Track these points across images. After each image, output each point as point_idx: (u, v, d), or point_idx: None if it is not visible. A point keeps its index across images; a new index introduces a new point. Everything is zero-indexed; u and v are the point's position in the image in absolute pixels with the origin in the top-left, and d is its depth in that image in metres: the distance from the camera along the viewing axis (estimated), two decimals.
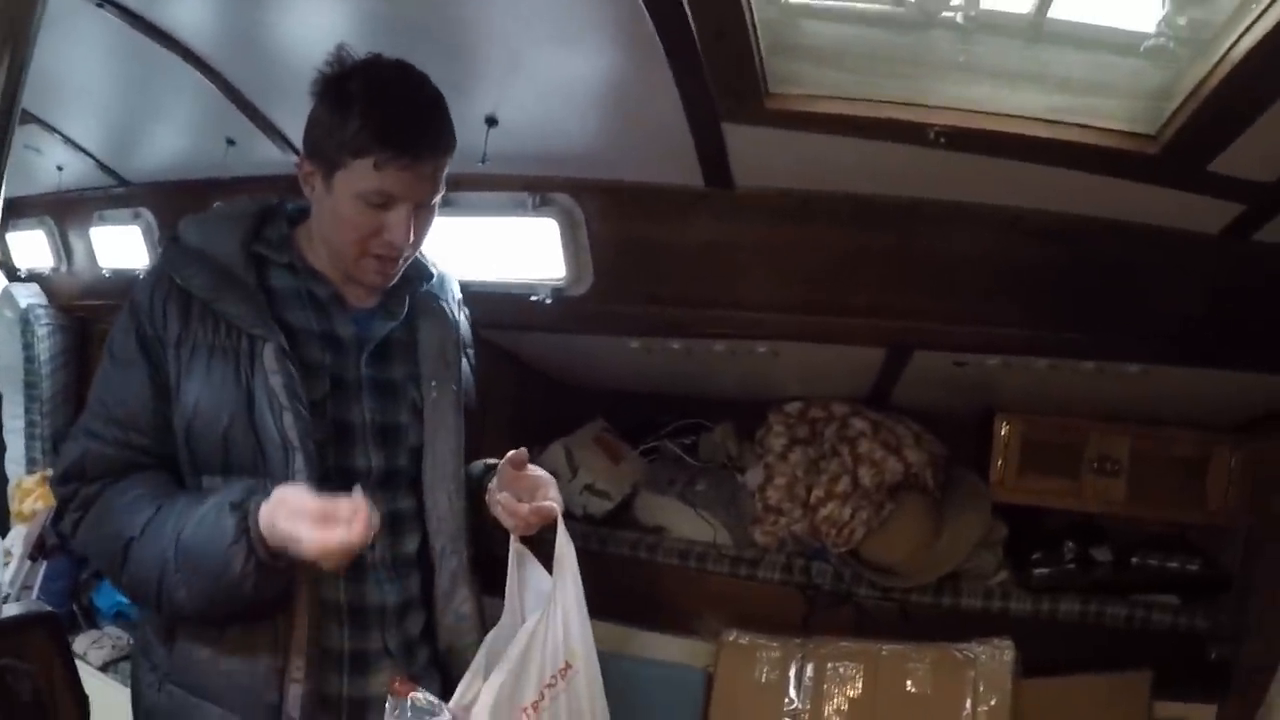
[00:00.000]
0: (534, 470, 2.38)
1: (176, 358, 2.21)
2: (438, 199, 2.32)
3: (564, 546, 2.36)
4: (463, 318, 2.64)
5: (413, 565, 2.42)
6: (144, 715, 2.34)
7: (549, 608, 2.32)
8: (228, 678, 2.20)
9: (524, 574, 2.41)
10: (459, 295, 2.66)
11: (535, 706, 2.25)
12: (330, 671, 2.26)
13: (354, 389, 2.35)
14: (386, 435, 2.39)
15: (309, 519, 1.97)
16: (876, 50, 2.43)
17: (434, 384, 2.45)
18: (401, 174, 2.17)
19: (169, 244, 2.35)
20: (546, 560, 2.40)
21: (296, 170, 2.34)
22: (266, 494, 2.06)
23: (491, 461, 2.52)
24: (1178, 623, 3.57)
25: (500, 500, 2.34)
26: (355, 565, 2.22)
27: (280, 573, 2.07)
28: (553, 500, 2.34)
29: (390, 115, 2.19)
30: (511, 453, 2.34)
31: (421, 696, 2.15)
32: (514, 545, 2.39)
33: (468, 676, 2.28)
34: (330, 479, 2.21)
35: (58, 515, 4.94)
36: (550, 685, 2.28)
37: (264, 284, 2.30)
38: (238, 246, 2.29)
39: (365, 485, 2.23)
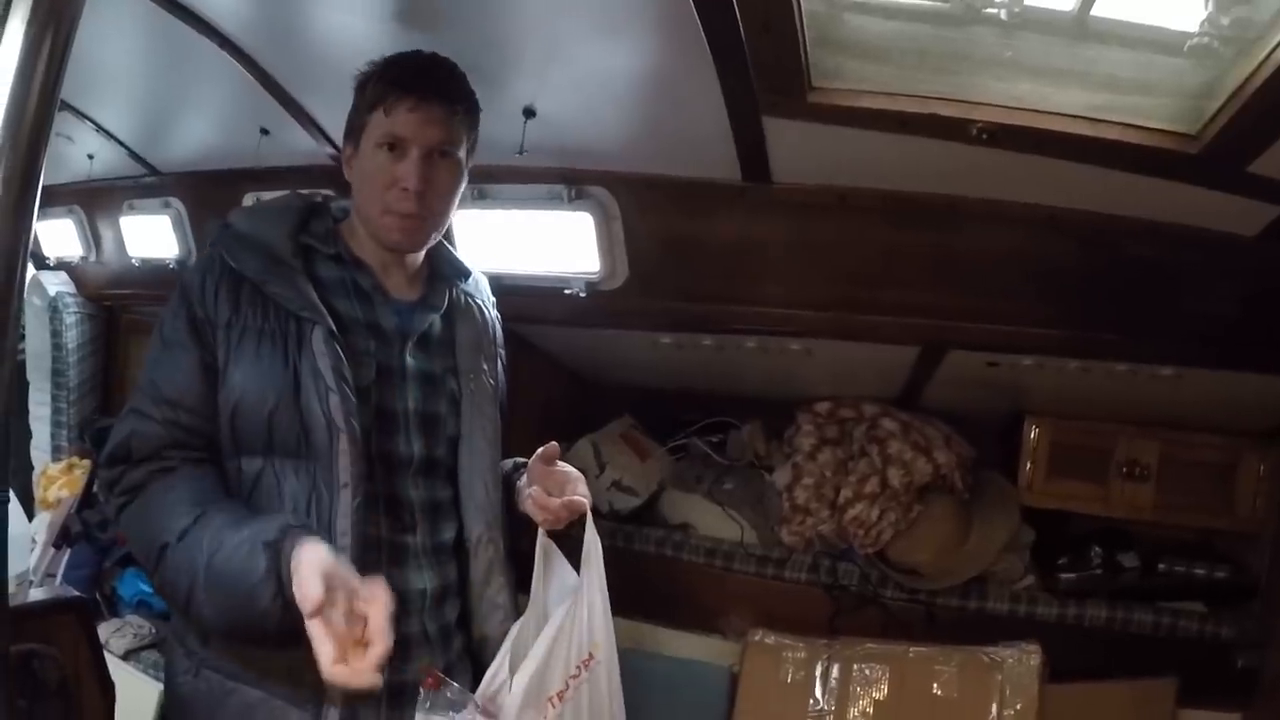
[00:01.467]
0: (564, 466, 2.43)
1: (226, 340, 2.23)
2: (458, 154, 2.36)
3: (592, 542, 2.40)
4: (496, 318, 2.69)
5: (449, 553, 2.43)
6: (179, 703, 2.34)
7: (576, 601, 2.35)
8: (267, 661, 2.19)
9: (550, 568, 2.44)
10: (492, 298, 2.71)
11: (560, 696, 2.29)
12: None
13: (398, 378, 2.37)
14: (428, 424, 2.41)
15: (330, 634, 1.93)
16: (920, 45, 2.42)
17: (471, 377, 2.50)
18: (410, 115, 2.27)
19: (221, 230, 2.36)
20: (570, 556, 2.43)
21: (341, 162, 2.41)
22: (303, 530, 2.07)
23: (521, 460, 2.57)
24: (1204, 630, 3.55)
25: (531, 494, 2.39)
26: (396, 549, 2.29)
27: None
28: (582, 496, 2.39)
29: (400, 66, 2.34)
30: (543, 448, 2.39)
31: (454, 688, 2.18)
32: (541, 540, 2.42)
33: (494, 666, 2.32)
34: (373, 465, 2.25)
35: (89, 502, 4.99)
36: (574, 676, 2.32)
37: (311, 273, 2.32)
38: (287, 235, 2.33)
39: (406, 472, 2.32)
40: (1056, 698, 3.40)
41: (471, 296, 2.60)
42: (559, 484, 2.40)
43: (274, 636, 2.07)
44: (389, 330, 2.39)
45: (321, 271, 2.36)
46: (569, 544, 2.44)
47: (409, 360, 2.39)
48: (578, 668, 2.32)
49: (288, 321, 2.24)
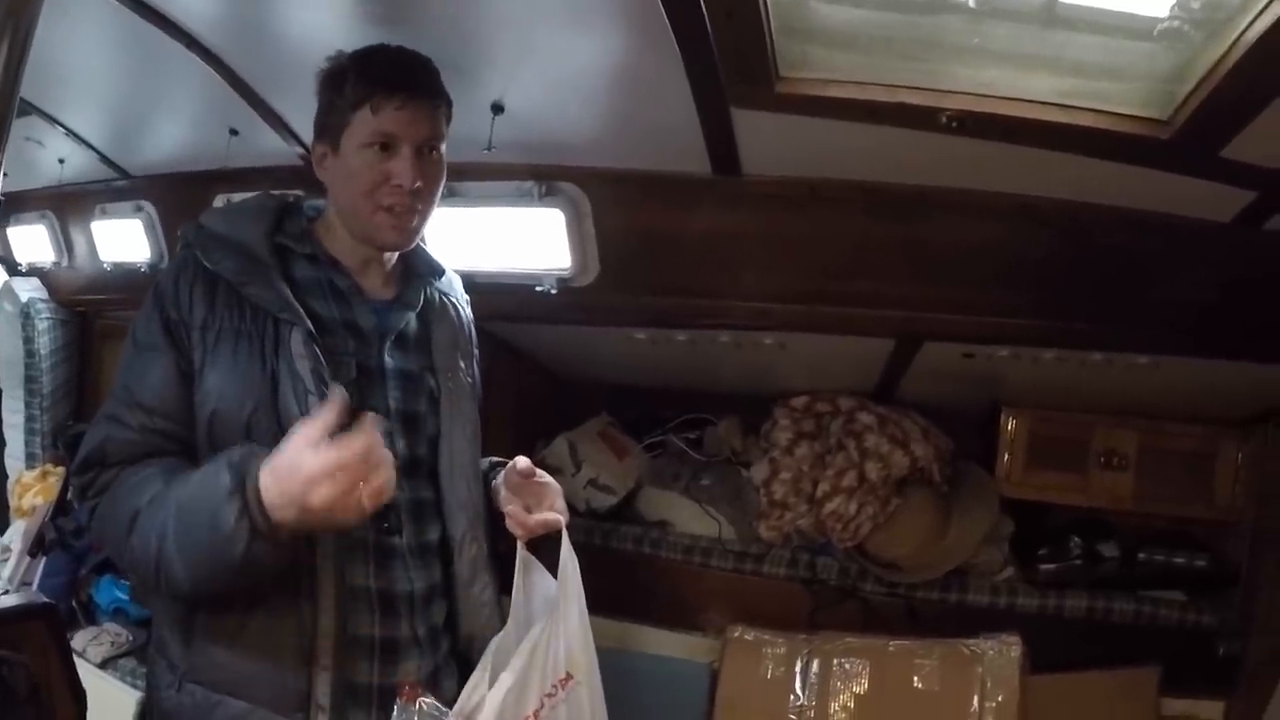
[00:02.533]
0: (543, 477, 2.43)
1: (201, 342, 2.21)
2: (441, 150, 2.36)
3: (568, 558, 2.39)
4: (469, 317, 2.69)
5: (435, 554, 2.42)
6: (162, 717, 2.30)
7: (552, 618, 2.34)
8: (252, 670, 2.17)
9: (530, 580, 2.44)
10: (465, 296, 2.71)
11: (536, 715, 2.26)
12: (360, 659, 2.25)
13: (378, 377, 2.36)
14: (409, 423, 2.40)
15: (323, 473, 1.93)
16: (888, 33, 2.40)
17: (449, 375, 2.49)
18: (399, 113, 2.26)
19: (195, 230, 2.34)
20: (550, 567, 2.42)
21: (310, 161, 2.42)
22: (263, 452, 2.04)
23: (498, 460, 2.58)
24: (1185, 618, 3.56)
25: (510, 512, 2.38)
26: (383, 551, 2.27)
27: (279, 545, 2.02)
28: (559, 511, 2.40)
29: (381, 64, 2.31)
30: (518, 463, 2.40)
31: (429, 702, 2.16)
32: (520, 552, 2.41)
33: (473, 680, 2.29)
34: None
35: (64, 509, 4.97)
36: (550, 695, 2.29)
37: (286, 274, 2.31)
38: (263, 235, 2.32)
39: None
40: (1038, 689, 3.40)
41: (445, 295, 2.60)
42: (536, 496, 2.42)
43: (242, 572, 2.03)
44: (367, 330, 2.38)
45: (297, 272, 2.35)
46: (548, 555, 2.43)
47: (388, 359, 2.38)
48: (554, 686, 2.30)
49: (265, 323, 2.22)
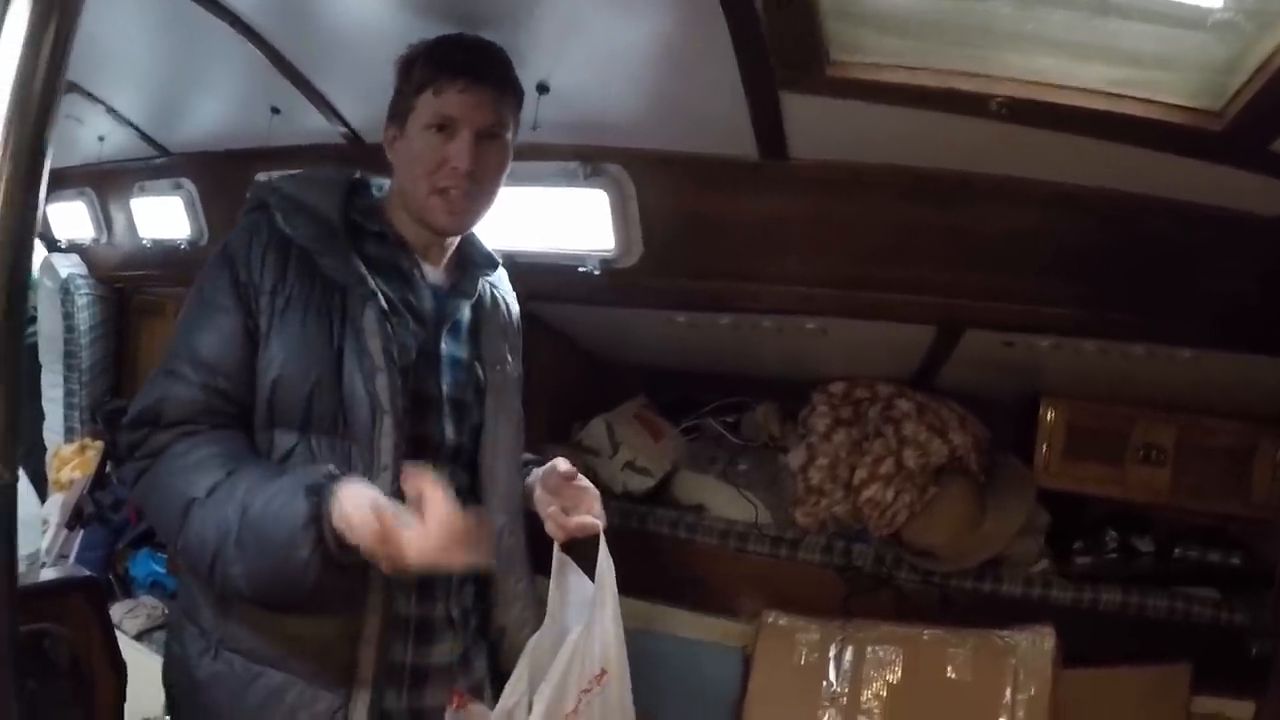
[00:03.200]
0: (582, 482, 2.43)
1: (270, 307, 2.21)
2: (505, 138, 2.37)
3: (605, 563, 2.39)
4: (516, 311, 2.71)
5: None
6: (196, 686, 2.27)
7: (589, 625, 2.36)
8: (294, 642, 2.17)
9: (566, 582, 2.45)
10: (512, 291, 2.72)
11: (575, 711, 2.29)
12: (396, 639, 2.26)
13: (433, 362, 2.37)
14: (458, 410, 2.41)
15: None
16: (940, 18, 2.40)
17: (497, 367, 2.51)
18: (460, 96, 2.27)
19: (273, 193, 2.34)
20: (586, 565, 2.43)
21: (356, 139, 2.42)
22: (340, 479, 2.04)
23: (531, 457, 2.63)
24: (1218, 616, 3.54)
25: (549, 514, 2.41)
26: None
27: (344, 570, 2.03)
28: (596, 517, 2.39)
29: (448, 48, 2.34)
30: (558, 465, 2.42)
31: (477, 709, 2.24)
32: (557, 553, 2.43)
33: (512, 680, 2.32)
34: (407, 447, 2.23)
35: (101, 483, 5.00)
36: (586, 691, 2.31)
37: (357, 249, 2.32)
38: (337, 207, 2.32)
39: (439, 456, 2.31)
40: (1069, 682, 3.39)
41: (495, 287, 2.62)
42: (573, 500, 2.42)
43: (307, 597, 2.05)
44: (426, 314, 2.38)
45: (366, 249, 2.35)
46: (582, 555, 2.44)
47: (443, 345, 2.40)
48: (590, 683, 2.32)
49: (334, 295, 2.23)
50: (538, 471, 2.53)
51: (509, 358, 2.57)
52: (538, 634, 2.39)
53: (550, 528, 2.40)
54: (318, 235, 2.25)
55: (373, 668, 2.18)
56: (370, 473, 2.15)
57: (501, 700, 2.29)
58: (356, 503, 1.96)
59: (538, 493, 2.48)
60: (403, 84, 2.35)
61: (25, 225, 1.38)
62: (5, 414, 1.43)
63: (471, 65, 2.30)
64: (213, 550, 2.06)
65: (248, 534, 2.03)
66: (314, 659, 2.17)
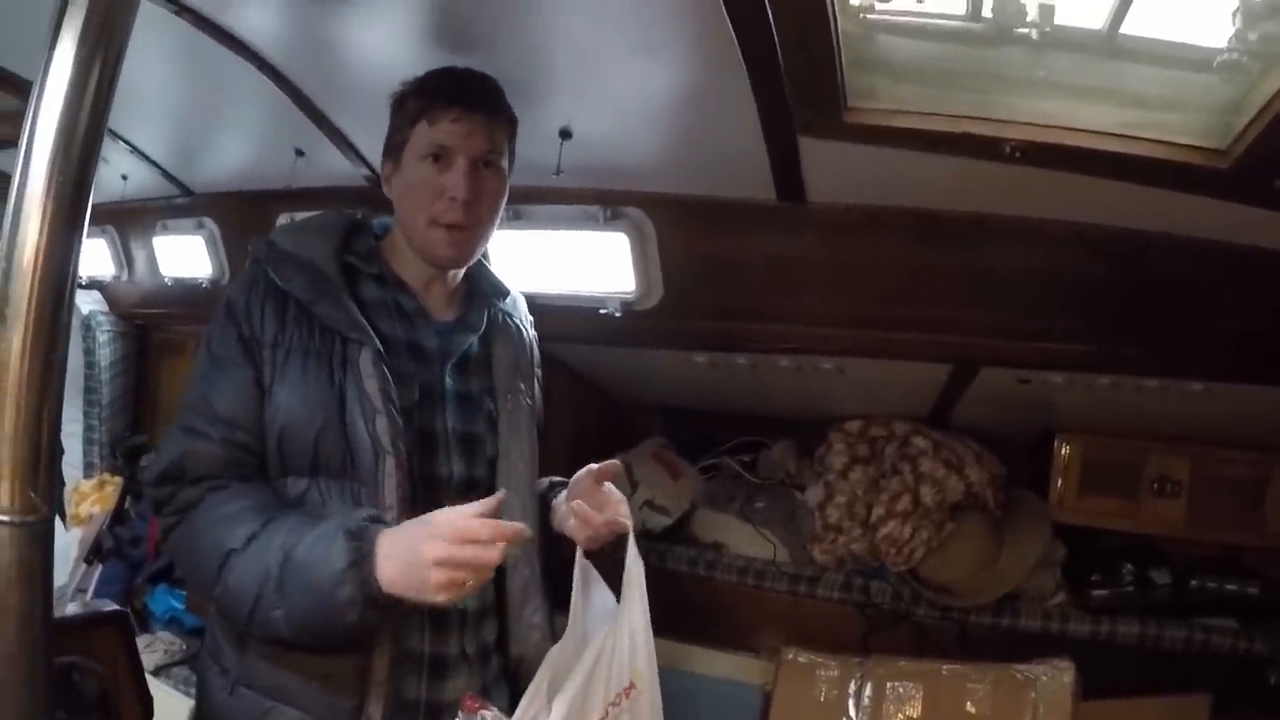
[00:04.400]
0: (609, 487, 2.43)
1: (272, 359, 2.23)
2: (500, 165, 2.39)
3: (634, 565, 2.39)
4: (533, 337, 2.71)
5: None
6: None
7: (617, 626, 2.34)
8: (305, 679, 2.20)
9: (588, 590, 2.44)
10: (529, 316, 2.73)
11: None
12: (409, 675, 2.28)
13: (438, 399, 2.38)
14: (467, 444, 2.42)
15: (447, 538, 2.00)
16: (953, 65, 2.44)
17: (509, 397, 2.51)
18: (454, 126, 2.30)
19: (266, 247, 2.36)
20: (609, 578, 2.43)
21: (377, 179, 2.44)
22: (383, 523, 2.10)
23: (558, 480, 2.61)
24: (1237, 646, 3.54)
25: (575, 508, 2.38)
26: None
27: (385, 610, 2.07)
28: (624, 517, 2.40)
29: (440, 79, 2.38)
30: (604, 465, 2.41)
31: (491, 714, 2.18)
32: (579, 561, 2.43)
33: (530, 692, 2.29)
34: (415, 486, 2.25)
35: (120, 518, 5.01)
36: (615, 704, 2.29)
37: (354, 293, 2.33)
38: (331, 255, 2.34)
39: (446, 492, 2.31)
40: (1089, 715, 3.39)
41: (509, 315, 2.62)
42: (600, 504, 2.39)
43: (349, 635, 2.10)
44: (430, 351, 2.40)
45: (364, 292, 2.37)
46: (607, 566, 2.44)
47: (448, 381, 2.40)
48: (618, 695, 2.30)
49: (334, 342, 2.25)
50: (563, 494, 2.53)
51: (522, 386, 2.57)
52: (557, 645, 2.37)
53: (575, 526, 2.39)
54: (309, 285, 2.28)
55: (382, 705, 2.20)
56: (376, 512, 2.17)
57: (518, 711, 2.26)
58: (401, 539, 2.04)
59: (564, 507, 2.48)
60: (396, 118, 2.39)
61: (67, 263, 1.43)
62: (46, 451, 1.46)
63: (463, 94, 2.33)
64: (253, 596, 2.10)
65: (290, 578, 2.06)
66: (326, 696, 2.20)
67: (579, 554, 2.42)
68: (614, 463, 2.41)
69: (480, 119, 2.32)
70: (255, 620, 2.13)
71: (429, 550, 1.98)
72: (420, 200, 2.33)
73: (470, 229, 2.35)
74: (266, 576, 2.08)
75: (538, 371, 2.72)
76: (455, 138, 2.30)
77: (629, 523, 2.39)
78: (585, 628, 2.40)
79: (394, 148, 2.39)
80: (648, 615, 2.39)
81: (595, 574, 2.45)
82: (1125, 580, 3.77)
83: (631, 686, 2.32)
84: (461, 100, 2.31)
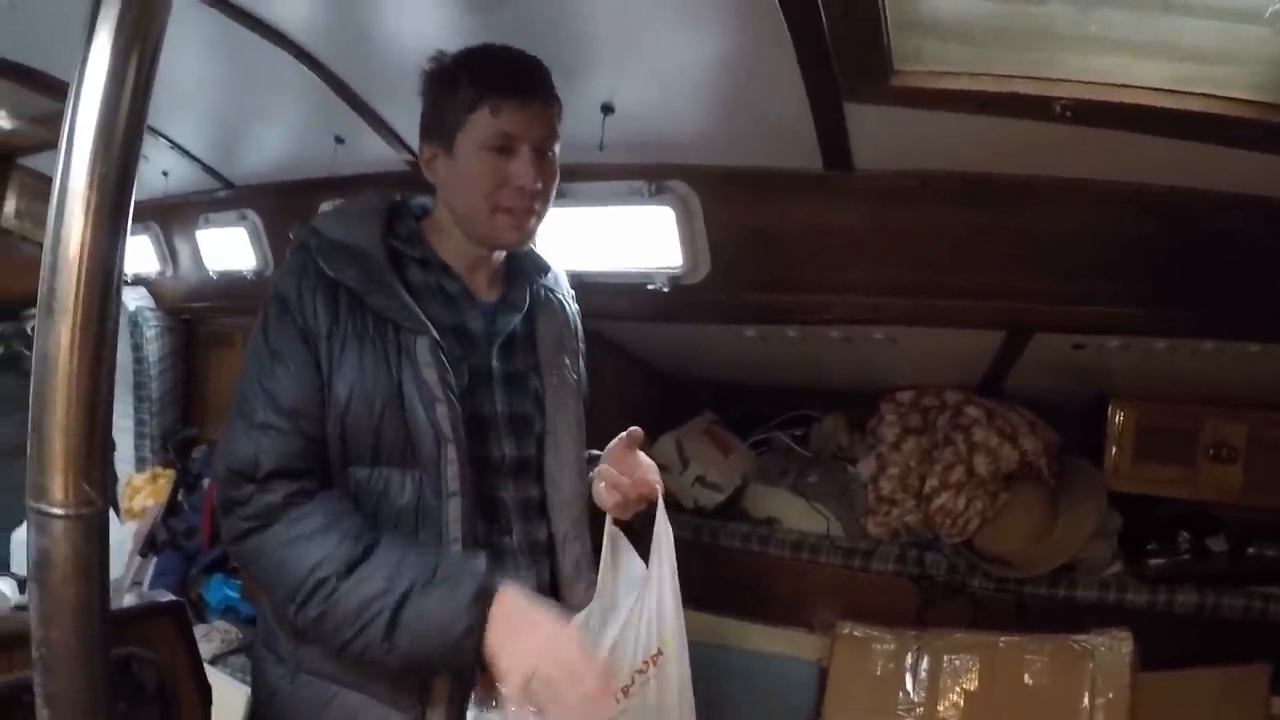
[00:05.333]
0: (641, 455, 2.40)
1: (328, 350, 2.20)
2: (555, 150, 2.34)
3: (663, 530, 2.37)
4: (576, 311, 2.67)
5: (543, 552, 2.41)
6: (275, 710, 2.33)
7: (644, 592, 2.33)
8: (369, 665, 2.17)
9: (617, 557, 2.41)
10: (571, 291, 2.69)
11: (625, 691, 2.26)
12: None
13: (486, 381, 2.36)
14: (517, 425, 2.39)
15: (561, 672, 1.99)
16: (1001, 24, 2.40)
17: (554, 373, 2.48)
18: (518, 114, 2.24)
19: (312, 236, 2.32)
20: (638, 546, 2.41)
21: (418, 163, 2.39)
22: (500, 580, 2.09)
23: (596, 452, 2.54)
24: None
25: (602, 471, 2.37)
26: (496, 551, 2.25)
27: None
28: (653, 482, 2.37)
29: (496, 64, 2.30)
30: (629, 430, 2.37)
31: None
32: (609, 528, 2.39)
33: None
34: (469, 468, 2.23)
35: (174, 510, 5.03)
36: (641, 671, 2.29)
37: (402, 278, 2.30)
38: (378, 240, 2.30)
39: (499, 473, 2.31)
40: (1147, 685, 3.37)
41: (552, 291, 2.59)
42: (631, 471, 2.36)
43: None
44: (476, 333, 2.37)
45: (409, 276, 2.33)
46: (637, 534, 2.42)
47: (495, 363, 2.38)
48: (645, 663, 2.29)
49: (388, 330, 2.22)
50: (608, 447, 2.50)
51: (567, 362, 2.53)
52: (585, 611, 2.35)
53: (603, 490, 2.37)
54: (361, 275, 2.24)
55: (446, 688, 2.19)
56: (439, 499, 2.17)
57: None
58: (537, 622, 2.05)
59: (593, 472, 2.46)
60: (443, 100, 2.30)
61: (113, 253, 1.41)
62: (99, 443, 1.45)
63: (524, 82, 2.28)
64: (356, 629, 2.08)
65: (404, 625, 2.06)
66: (389, 681, 2.19)
67: (608, 521, 2.39)
68: (636, 430, 2.37)
69: (539, 105, 2.28)
70: (351, 647, 2.11)
71: (541, 667, 1.99)
72: (483, 188, 2.27)
73: (534, 215, 2.32)
74: (374, 614, 2.06)
75: (582, 346, 2.68)
76: (519, 126, 2.25)
77: (659, 488, 2.37)
78: (615, 595, 2.38)
79: (443, 132, 2.31)
80: (677, 582, 2.38)
81: (624, 541, 2.42)
82: (1182, 549, 3.74)
83: (659, 653, 2.31)
84: (522, 89, 2.26)
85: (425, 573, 2.07)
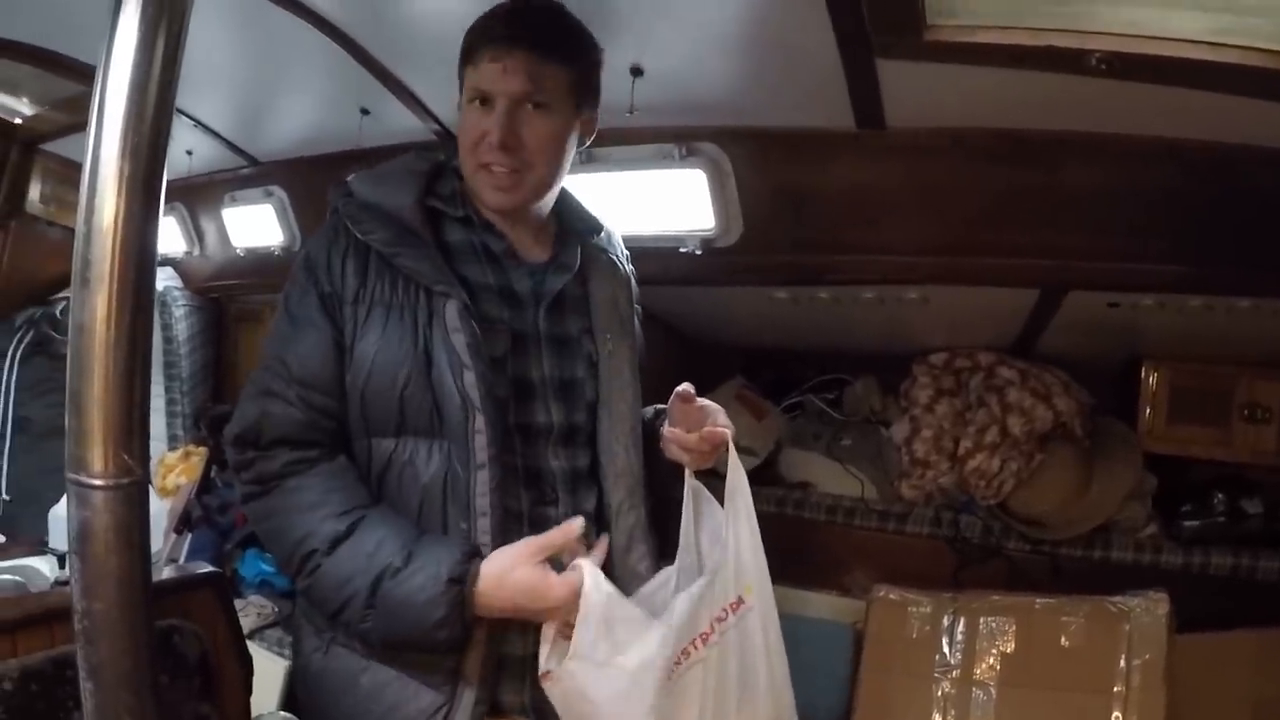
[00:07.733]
0: (702, 401, 2.32)
1: (353, 315, 2.18)
2: (553, 104, 2.23)
3: (735, 474, 2.29)
4: (631, 272, 2.60)
5: (591, 521, 2.31)
6: (310, 680, 2.32)
7: (724, 539, 2.26)
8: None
9: (699, 510, 2.34)
10: (626, 251, 2.62)
11: (704, 639, 2.18)
12: (512, 631, 2.22)
13: (533, 344, 2.30)
14: (565, 390, 2.33)
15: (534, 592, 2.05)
16: None
17: (609, 337, 2.41)
18: (491, 66, 2.17)
19: (343, 199, 2.29)
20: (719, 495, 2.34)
21: (448, 135, 2.38)
22: (479, 559, 2.09)
23: (660, 406, 2.49)
24: None
25: (666, 432, 2.32)
26: (539, 523, 2.22)
27: (469, 628, 2.10)
28: (722, 426, 2.30)
29: (490, 15, 2.23)
30: (678, 389, 2.29)
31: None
32: (689, 481, 2.34)
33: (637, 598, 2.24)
34: (511, 437, 2.21)
35: (207, 487, 5.05)
36: (720, 619, 2.21)
37: (439, 239, 2.27)
38: (414, 200, 2.25)
39: (545, 441, 2.27)
40: (1183, 647, 3.36)
41: (605, 251, 2.52)
42: (698, 421, 2.30)
43: (438, 650, 2.12)
44: (523, 295, 2.31)
45: (450, 236, 2.30)
46: (719, 482, 2.35)
47: (542, 325, 2.32)
48: (724, 610, 2.22)
49: (418, 294, 2.18)
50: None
51: (622, 325, 2.46)
52: (665, 569, 2.32)
53: (674, 450, 2.33)
54: (390, 237, 2.20)
55: (479, 666, 2.16)
56: (467, 470, 2.13)
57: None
58: (512, 583, 2.07)
59: (663, 430, 2.40)
60: (459, 63, 2.28)
61: (148, 223, 1.41)
62: (138, 412, 1.45)
63: (505, 31, 2.19)
64: (339, 604, 2.10)
65: (381, 609, 2.07)
66: (420, 657, 2.16)
67: (688, 475, 2.33)
68: (686, 385, 2.29)
69: (520, 57, 2.17)
70: (339, 621, 2.14)
71: (518, 601, 2.06)
72: (465, 143, 2.25)
73: (517, 171, 2.23)
74: (354, 593, 2.08)
75: (638, 308, 2.60)
76: (491, 80, 2.18)
77: (728, 432, 2.31)
78: (698, 547, 2.33)
79: (461, 91, 2.30)
80: (755, 524, 2.30)
81: (706, 494, 2.35)
82: (1217, 510, 3.73)
83: (740, 601, 2.24)
84: (502, 40, 2.18)
85: (399, 559, 2.07)
